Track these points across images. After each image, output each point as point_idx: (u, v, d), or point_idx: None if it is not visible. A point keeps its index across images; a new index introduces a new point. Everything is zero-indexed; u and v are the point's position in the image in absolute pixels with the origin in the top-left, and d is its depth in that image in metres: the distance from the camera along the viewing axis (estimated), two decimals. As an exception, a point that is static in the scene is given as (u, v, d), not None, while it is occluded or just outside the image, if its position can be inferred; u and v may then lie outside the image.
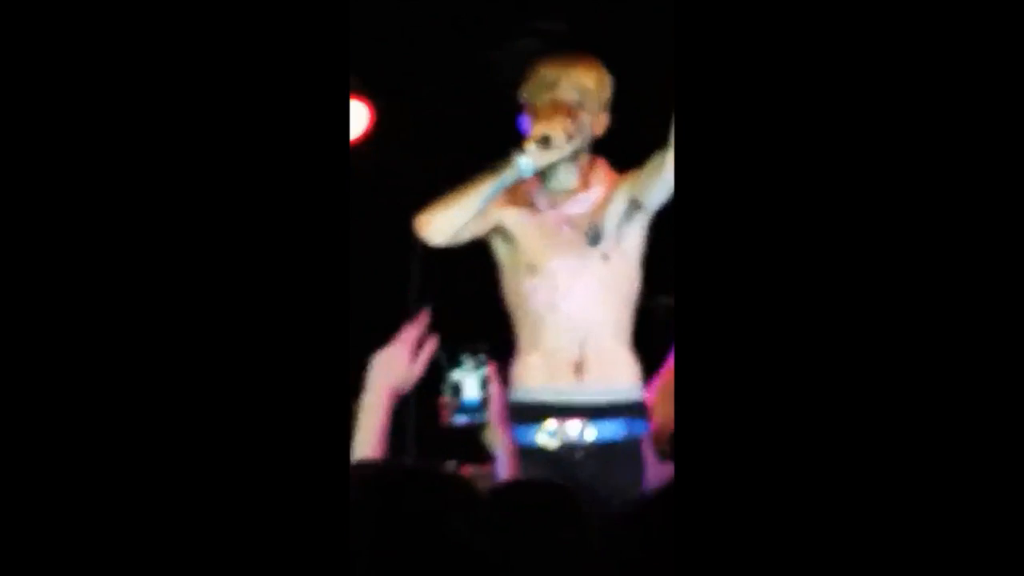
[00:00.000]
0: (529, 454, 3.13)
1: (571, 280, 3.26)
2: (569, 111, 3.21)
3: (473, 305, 3.55)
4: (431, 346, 2.72)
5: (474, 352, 2.87)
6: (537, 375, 3.29)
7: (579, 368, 3.25)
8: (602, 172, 3.34)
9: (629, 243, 3.25)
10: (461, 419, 2.78)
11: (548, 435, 3.28)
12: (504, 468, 2.78)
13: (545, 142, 3.16)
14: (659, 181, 3.13)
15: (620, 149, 3.39)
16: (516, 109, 3.35)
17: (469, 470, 3.53)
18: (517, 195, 3.36)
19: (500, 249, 3.39)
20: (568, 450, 3.26)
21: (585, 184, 3.32)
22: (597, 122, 3.33)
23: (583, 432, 3.26)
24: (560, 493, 2.27)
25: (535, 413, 3.28)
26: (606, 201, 3.26)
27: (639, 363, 3.36)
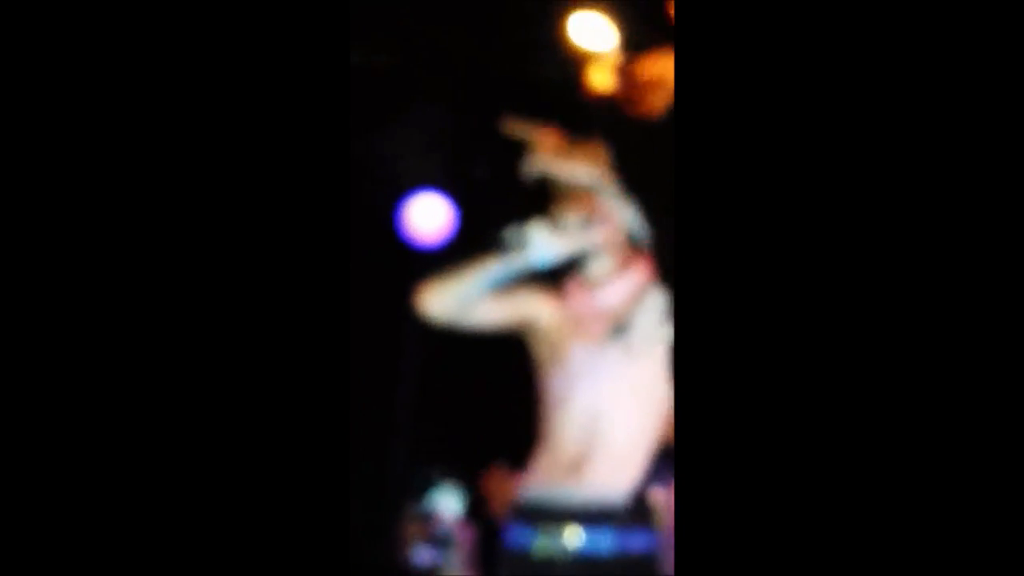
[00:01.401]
0: (519, 561, 3.05)
1: (587, 371, 3.00)
2: (589, 196, 3.04)
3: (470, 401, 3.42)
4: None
5: (448, 476, 2.73)
6: (541, 472, 3.02)
7: (580, 466, 2.96)
8: (643, 261, 3.07)
9: (658, 340, 2.98)
10: (424, 554, 2.65)
11: (543, 540, 3.00)
12: None
13: (580, 225, 2.98)
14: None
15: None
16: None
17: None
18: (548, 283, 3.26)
19: (532, 340, 3.21)
20: (552, 561, 2.97)
21: (621, 272, 3.05)
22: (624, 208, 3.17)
23: (571, 540, 2.97)
24: None
25: (532, 514, 3.05)
26: (641, 293, 3.00)
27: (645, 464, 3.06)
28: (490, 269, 2.96)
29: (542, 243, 2.93)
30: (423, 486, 3.11)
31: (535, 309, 3.06)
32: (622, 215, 2.98)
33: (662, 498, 3.31)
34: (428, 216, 4.75)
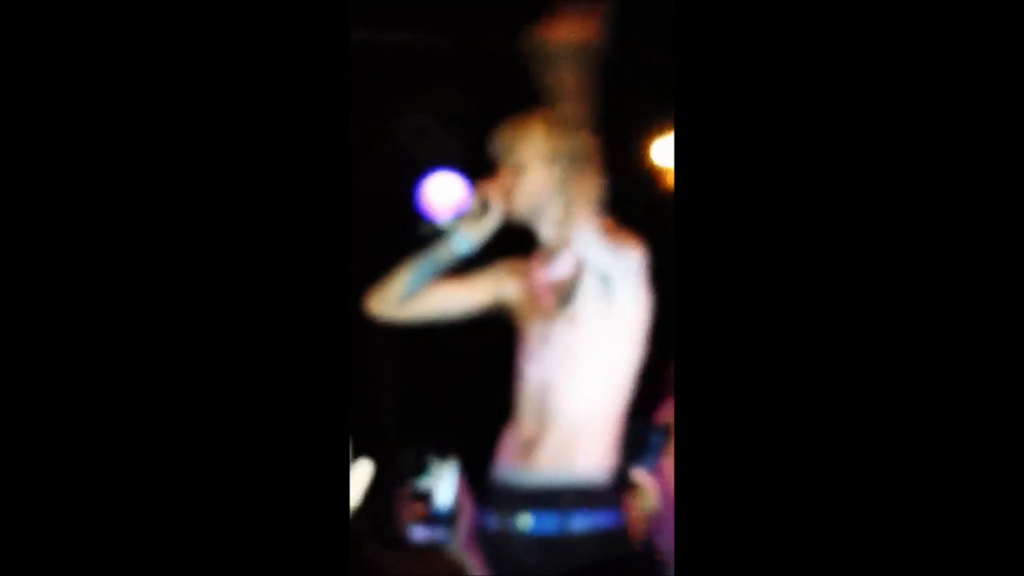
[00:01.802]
0: (493, 543, 3.03)
1: (539, 346, 2.96)
2: (506, 174, 3.05)
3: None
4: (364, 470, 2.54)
5: (442, 454, 2.65)
6: (503, 453, 2.99)
7: (530, 445, 2.91)
8: (599, 224, 2.95)
9: (598, 309, 2.90)
10: (422, 532, 2.58)
11: (499, 521, 2.96)
12: None
13: (483, 209, 3.03)
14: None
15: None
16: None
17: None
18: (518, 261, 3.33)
19: (511, 319, 3.26)
20: (507, 540, 2.93)
21: (563, 239, 3.00)
22: (550, 173, 3.07)
23: (520, 521, 2.95)
24: None
25: (490, 495, 3.00)
26: (586, 262, 2.93)
27: (608, 444, 2.96)
28: (419, 263, 3.03)
29: (466, 230, 3.01)
30: (419, 465, 3.07)
31: (504, 289, 3.09)
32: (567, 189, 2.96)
33: (646, 479, 3.28)
34: (444, 193, 4.82)
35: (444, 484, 2.83)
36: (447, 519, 2.75)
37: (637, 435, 3.81)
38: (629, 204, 3.04)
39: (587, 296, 2.91)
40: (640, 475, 3.64)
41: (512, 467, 2.91)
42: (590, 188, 2.95)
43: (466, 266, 3.10)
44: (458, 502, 2.78)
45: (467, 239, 3.03)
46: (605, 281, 2.89)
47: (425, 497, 2.77)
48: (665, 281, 2.72)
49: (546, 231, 3.05)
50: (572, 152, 2.92)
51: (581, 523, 2.84)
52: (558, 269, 3.00)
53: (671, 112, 2.12)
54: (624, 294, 2.89)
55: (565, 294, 2.94)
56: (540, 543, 2.82)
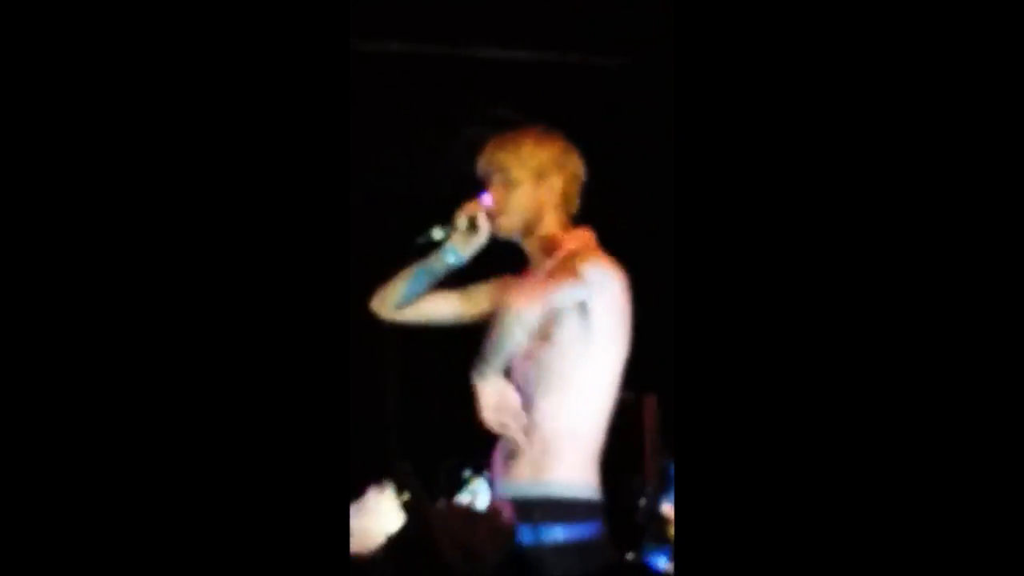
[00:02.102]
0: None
1: (522, 361, 3.03)
2: (495, 190, 3.15)
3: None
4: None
5: (478, 469, 2.73)
6: (494, 465, 3.10)
7: (512, 458, 2.99)
8: (573, 243, 3.14)
9: (574, 329, 3.00)
10: None
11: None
12: None
13: (471, 226, 3.14)
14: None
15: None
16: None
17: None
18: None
19: None
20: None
21: (549, 255, 3.13)
22: (539, 192, 3.18)
23: None
24: None
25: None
26: (561, 279, 3.02)
27: (587, 459, 3.03)
28: (415, 271, 3.15)
29: (456, 244, 3.12)
30: (456, 481, 3.11)
31: (493, 302, 3.15)
32: (541, 197, 3.10)
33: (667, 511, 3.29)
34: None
35: (481, 500, 2.88)
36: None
37: (663, 470, 3.82)
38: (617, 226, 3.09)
39: (565, 318, 2.96)
40: (669, 508, 3.66)
41: (498, 479, 3.00)
42: (574, 207, 3.14)
43: (465, 278, 3.22)
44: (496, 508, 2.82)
45: (457, 253, 3.13)
46: (583, 308, 2.94)
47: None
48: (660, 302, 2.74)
49: (533, 249, 3.14)
50: (560, 172, 3.11)
51: (556, 535, 2.89)
52: (538, 288, 3.00)
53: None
54: (602, 320, 2.95)
55: (545, 312, 2.95)
56: (515, 554, 2.75)
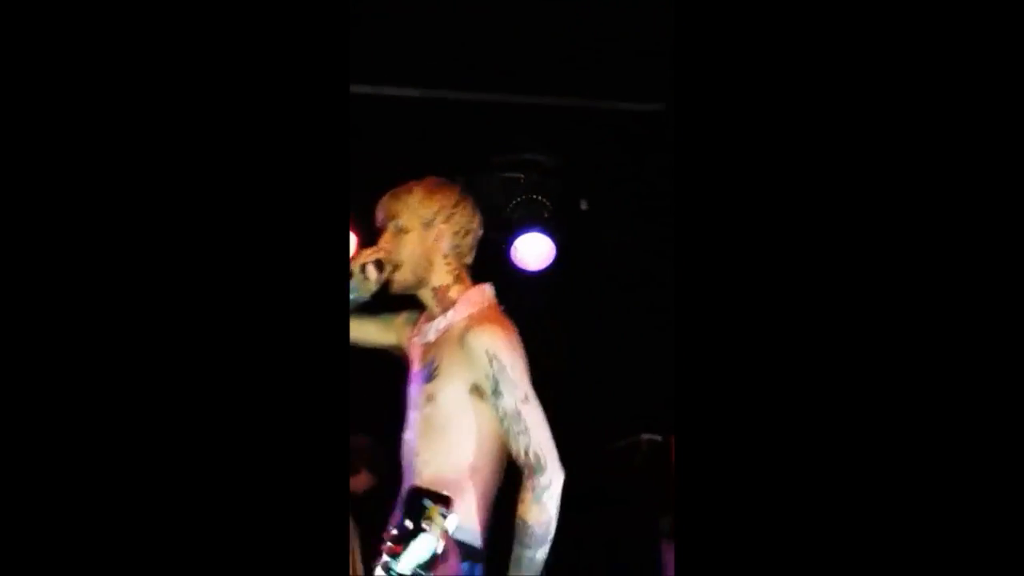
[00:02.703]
0: None
1: (411, 412, 3.16)
2: (387, 238, 3.21)
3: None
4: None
5: (436, 499, 2.79)
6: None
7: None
8: (472, 298, 3.22)
9: (457, 391, 3.08)
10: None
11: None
12: None
13: (361, 271, 3.18)
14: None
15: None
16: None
17: None
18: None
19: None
20: None
21: (442, 308, 3.21)
22: (427, 240, 3.22)
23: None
24: None
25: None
26: (451, 342, 3.13)
27: (469, 507, 3.10)
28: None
29: (354, 285, 3.15)
30: (415, 508, 3.15)
31: (401, 336, 3.29)
32: (428, 243, 3.15)
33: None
34: (534, 251, 5.13)
35: (435, 529, 2.92)
36: (428, 564, 2.85)
37: None
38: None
39: (445, 374, 3.07)
40: None
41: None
42: (467, 258, 3.20)
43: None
44: (445, 548, 2.87)
45: (357, 291, 3.16)
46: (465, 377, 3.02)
47: (405, 540, 2.86)
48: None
49: (427, 299, 3.19)
50: (449, 221, 3.16)
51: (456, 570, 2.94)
52: (427, 335, 3.15)
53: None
54: (484, 383, 3.02)
55: (427, 369, 3.10)
56: None
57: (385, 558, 2.64)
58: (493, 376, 3.03)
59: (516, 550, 3.00)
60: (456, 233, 3.23)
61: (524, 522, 3.00)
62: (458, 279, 3.23)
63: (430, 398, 3.08)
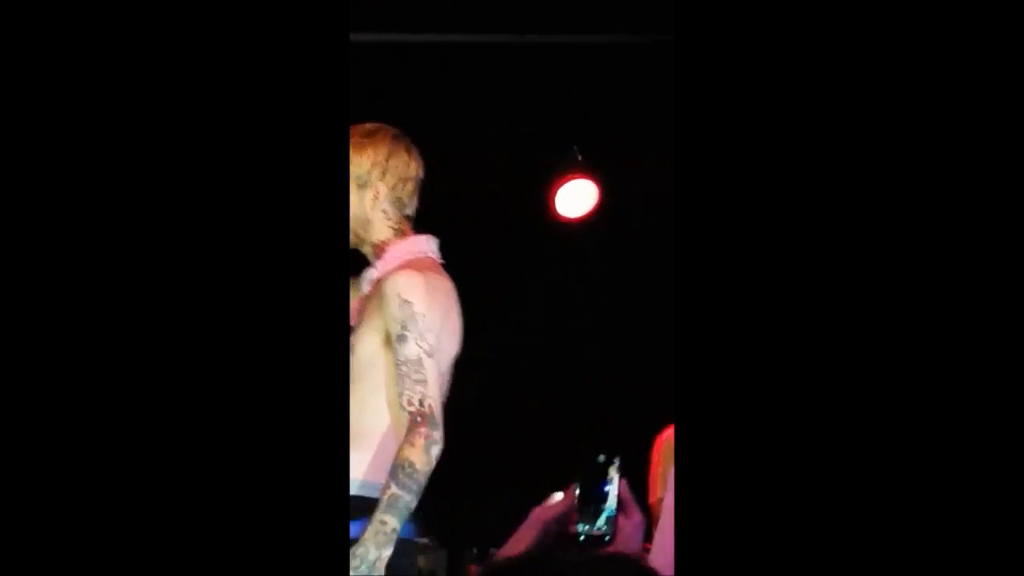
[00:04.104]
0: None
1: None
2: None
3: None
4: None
5: (610, 454, 2.78)
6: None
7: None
8: (404, 248, 3.21)
9: (372, 346, 3.09)
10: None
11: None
12: None
13: None
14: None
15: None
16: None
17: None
18: None
19: None
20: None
21: (379, 255, 3.20)
22: (363, 200, 3.20)
23: None
24: None
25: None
26: (375, 293, 3.12)
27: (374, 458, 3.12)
28: None
29: None
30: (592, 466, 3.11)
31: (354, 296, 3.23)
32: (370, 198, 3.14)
33: None
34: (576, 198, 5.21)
35: (612, 485, 2.84)
36: (611, 519, 2.79)
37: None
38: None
39: (365, 325, 3.05)
40: None
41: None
42: (409, 208, 3.19)
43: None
44: (622, 500, 2.83)
45: None
46: (389, 324, 3.01)
47: (587, 501, 2.81)
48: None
49: (369, 255, 3.18)
50: (383, 177, 3.13)
51: (353, 530, 2.93)
52: (363, 290, 3.14)
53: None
54: (406, 338, 2.99)
55: (359, 315, 3.09)
56: None
57: (577, 525, 2.59)
58: (402, 320, 3.01)
59: (394, 489, 2.95)
60: (394, 187, 3.19)
61: (411, 463, 2.94)
62: (398, 232, 3.20)
63: (352, 350, 3.05)
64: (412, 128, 3.36)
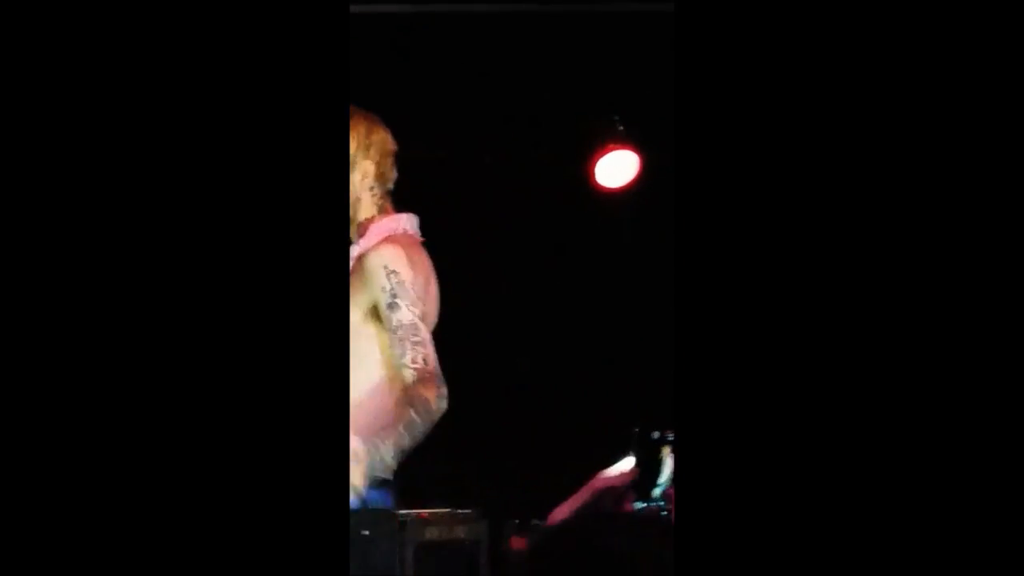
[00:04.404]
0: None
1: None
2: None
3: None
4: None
5: (663, 432, 2.80)
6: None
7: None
8: (384, 225, 3.21)
9: (354, 321, 3.06)
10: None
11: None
12: None
13: None
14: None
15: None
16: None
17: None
18: None
19: None
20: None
21: (362, 233, 3.21)
22: (353, 180, 3.20)
23: None
24: None
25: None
26: (356, 270, 3.13)
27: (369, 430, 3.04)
28: None
29: None
30: (647, 445, 3.12)
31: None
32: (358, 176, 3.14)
33: None
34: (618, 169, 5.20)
35: (667, 463, 2.87)
36: (665, 493, 2.82)
37: None
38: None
39: (356, 300, 3.04)
40: None
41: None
42: (389, 182, 3.20)
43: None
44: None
45: None
46: (376, 296, 3.02)
47: (648, 473, 2.82)
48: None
49: (352, 231, 3.17)
50: (367, 154, 3.15)
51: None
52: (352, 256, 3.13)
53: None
54: (397, 305, 3.00)
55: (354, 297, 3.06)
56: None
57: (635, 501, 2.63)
58: (391, 289, 3.02)
59: (412, 416, 2.93)
60: (379, 163, 3.22)
61: (427, 400, 2.94)
62: (381, 208, 3.23)
63: (354, 326, 3.01)
64: (450, 103, 3.35)
